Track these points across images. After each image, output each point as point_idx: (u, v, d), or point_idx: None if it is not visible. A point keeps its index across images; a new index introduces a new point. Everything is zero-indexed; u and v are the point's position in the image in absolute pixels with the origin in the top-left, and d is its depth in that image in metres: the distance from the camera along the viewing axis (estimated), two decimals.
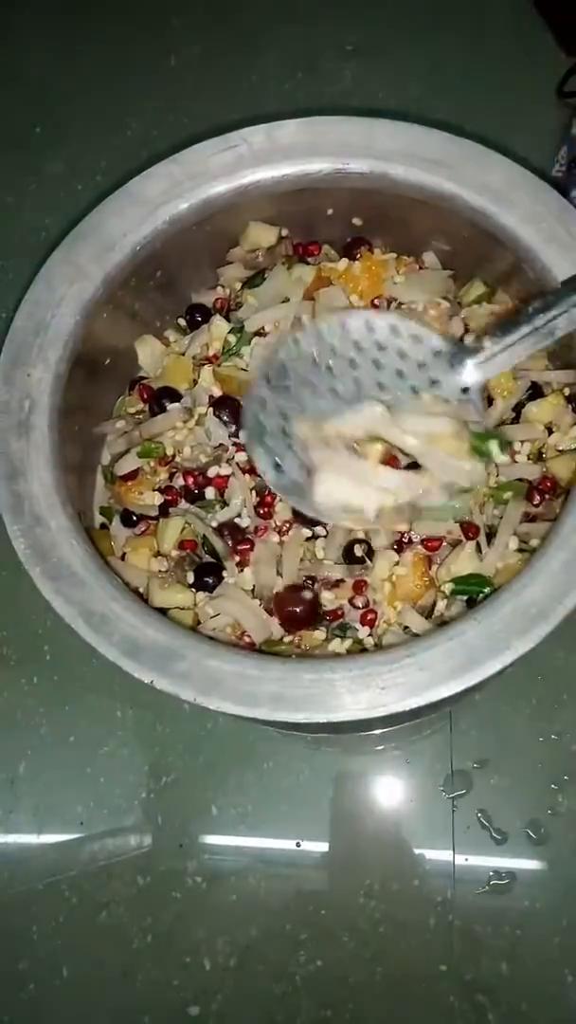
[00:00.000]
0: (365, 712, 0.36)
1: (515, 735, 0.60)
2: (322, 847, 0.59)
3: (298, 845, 0.59)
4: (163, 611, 0.48)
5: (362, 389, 0.43)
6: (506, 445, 0.43)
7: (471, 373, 0.43)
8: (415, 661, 0.37)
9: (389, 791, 0.60)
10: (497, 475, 0.49)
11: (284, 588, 0.48)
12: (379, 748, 0.61)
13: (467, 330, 0.51)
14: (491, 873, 0.57)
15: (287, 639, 0.47)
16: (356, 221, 0.54)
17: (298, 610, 0.46)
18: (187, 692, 0.37)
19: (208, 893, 0.59)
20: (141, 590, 0.50)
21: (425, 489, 0.42)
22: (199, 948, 0.58)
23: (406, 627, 0.45)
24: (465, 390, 0.43)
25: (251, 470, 0.51)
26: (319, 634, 0.47)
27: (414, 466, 0.43)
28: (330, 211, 0.53)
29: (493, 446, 0.43)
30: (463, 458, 0.42)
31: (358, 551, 0.49)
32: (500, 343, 0.42)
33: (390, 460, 0.43)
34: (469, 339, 0.43)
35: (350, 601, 0.48)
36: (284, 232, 0.55)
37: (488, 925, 0.57)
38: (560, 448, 0.48)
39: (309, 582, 0.49)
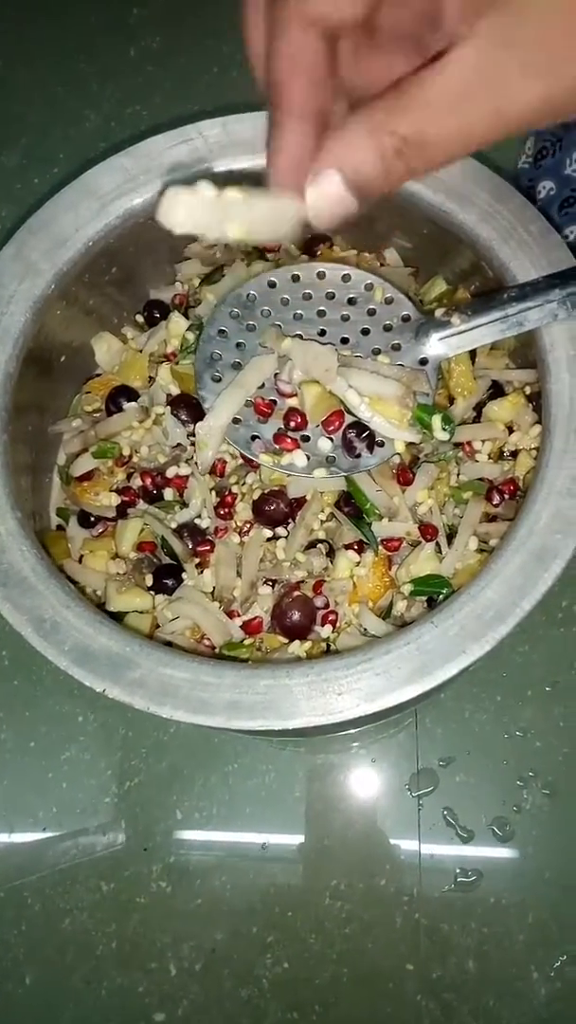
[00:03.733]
0: (321, 718, 0.35)
1: (480, 732, 0.60)
2: (288, 849, 0.59)
3: (264, 847, 0.59)
4: (121, 615, 0.47)
5: (325, 339, 0.44)
6: (450, 423, 0.43)
7: (434, 346, 0.43)
8: (371, 666, 0.36)
9: (355, 791, 0.60)
10: (458, 475, 0.49)
11: (280, 596, 0.47)
12: (345, 748, 0.60)
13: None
14: (457, 871, 0.57)
15: (247, 641, 0.47)
16: None
17: (296, 616, 0.46)
18: (140, 701, 0.36)
19: (173, 897, 0.59)
20: (99, 593, 0.49)
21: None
22: (164, 953, 0.58)
23: (365, 629, 0.45)
24: (423, 362, 0.43)
25: (211, 470, 0.51)
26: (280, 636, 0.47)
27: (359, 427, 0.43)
28: None
29: (436, 420, 0.43)
30: (403, 426, 0.43)
31: (319, 551, 0.48)
32: (468, 322, 0.42)
33: (335, 416, 0.43)
34: (439, 312, 0.43)
35: None
36: None
37: (455, 923, 0.56)
38: (520, 447, 0.48)
39: (270, 583, 0.48)
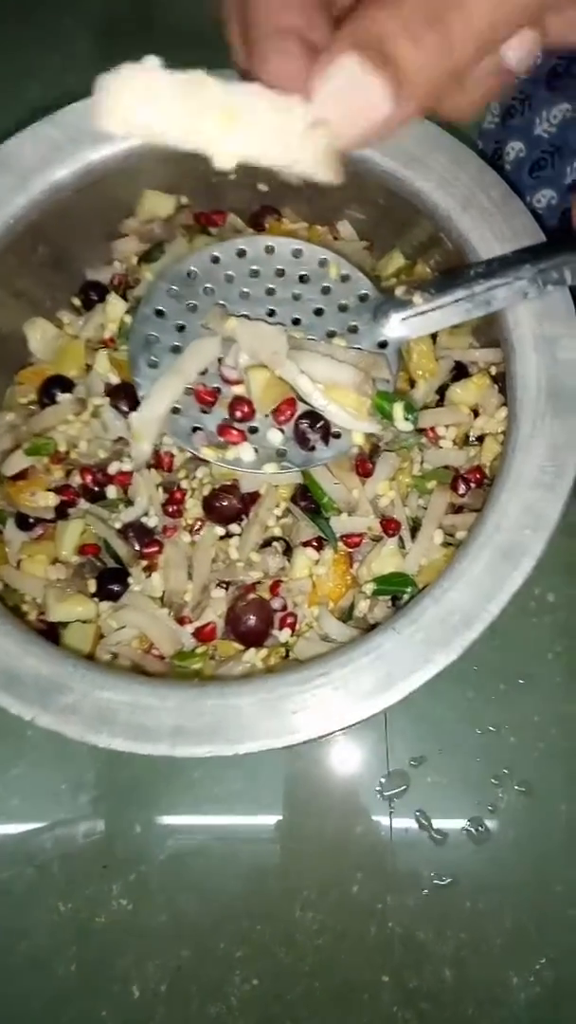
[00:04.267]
0: (274, 741, 0.32)
1: (452, 730, 0.57)
2: (255, 860, 0.56)
3: (230, 859, 0.56)
4: (63, 625, 0.44)
5: (275, 319, 0.41)
6: (413, 411, 0.40)
7: (394, 328, 0.40)
8: (329, 680, 0.33)
9: (324, 795, 0.57)
10: (422, 463, 0.46)
11: (234, 599, 0.44)
12: (313, 751, 0.58)
13: None
14: (431, 875, 0.55)
15: (199, 650, 0.43)
16: (262, 187, 0.49)
17: (252, 620, 0.42)
18: (73, 729, 0.32)
19: (135, 916, 0.56)
20: (39, 601, 0.45)
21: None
22: (128, 975, 0.55)
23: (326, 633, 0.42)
24: (383, 345, 0.40)
25: (157, 464, 0.47)
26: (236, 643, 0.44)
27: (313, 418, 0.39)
28: (233, 176, 0.48)
29: (398, 409, 0.40)
30: (362, 415, 0.39)
31: (275, 549, 0.45)
32: (431, 302, 0.39)
33: (285, 404, 0.40)
34: (400, 291, 0.40)
35: None
36: (183, 200, 0.50)
37: (430, 930, 0.54)
38: (487, 432, 0.45)
39: (223, 586, 0.45)
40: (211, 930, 0.55)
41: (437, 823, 0.56)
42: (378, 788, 0.56)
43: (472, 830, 0.55)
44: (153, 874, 0.56)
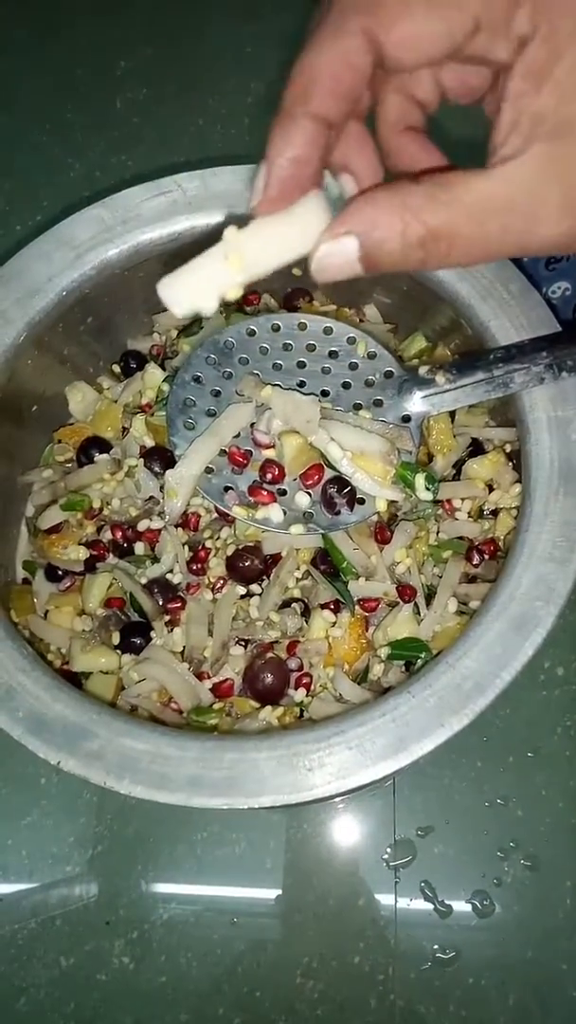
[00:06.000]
0: (289, 797, 0.33)
1: (460, 800, 0.57)
2: (258, 924, 0.56)
3: (233, 922, 0.56)
4: (85, 675, 0.45)
5: (305, 391, 0.43)
6: (434, 482, 0.42)
7: (417, 403, 0.42)
8: (344, 739, 0.34)
9: (330, 862, 0.57)
10: (438, 533, 0.47)
11: (252, 657, 0.45)
12: (320, 816, 0.58)
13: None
14: (435, 948, 0.55)
15: (216, 706, 0.45)
16: (296, 271, 0.53)
17: (269, 679, 0.44)
18: (97, 774, 0.34)
19: (136, 975, 0.55)
20: (63, 651, 0.47)
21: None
22: None
23: (340, 694, 0.43)
24: (406, 419, 0.42)
25: (184, 523, 0.49)
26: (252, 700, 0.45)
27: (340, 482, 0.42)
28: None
29: (420, 479, 0.42)
30: (386, 483, 0.41)
31: (294, 610, 0.47)
32: (453, 382, 0.41)
33: (314, 469, 0.42)
34: (423, 370, 0.42)
35: None
36: None
37: (431, 1005, 0.53)
38: (501, 507, 0.47)
39: (242, 643, 0.46)
40: (211, 994, 0.55)
41: (442, 895, 0.55)
42: (385, 857, 0.57)
43: (477, 903, 0.55)
44: (155, 933, 0.56)
